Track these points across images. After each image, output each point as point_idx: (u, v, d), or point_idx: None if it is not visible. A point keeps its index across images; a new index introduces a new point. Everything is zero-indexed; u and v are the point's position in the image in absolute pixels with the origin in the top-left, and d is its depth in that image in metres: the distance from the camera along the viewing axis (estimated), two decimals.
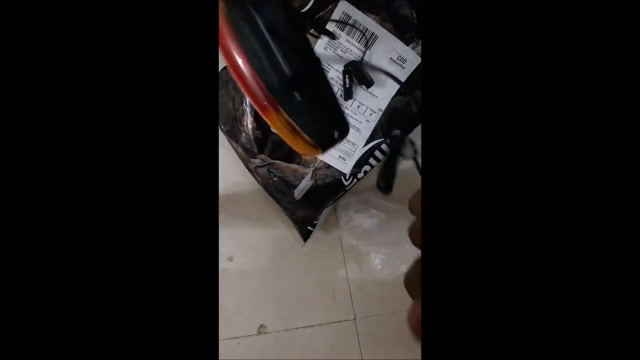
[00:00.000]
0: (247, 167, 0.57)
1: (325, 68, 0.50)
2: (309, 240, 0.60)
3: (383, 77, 0.50)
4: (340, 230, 0.62)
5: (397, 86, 0.51)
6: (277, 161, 0.55)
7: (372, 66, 0.49)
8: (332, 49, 0.49)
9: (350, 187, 0.56)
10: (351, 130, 0.53)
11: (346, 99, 0.51)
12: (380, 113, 0.53)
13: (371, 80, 0.49)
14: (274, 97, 0.21)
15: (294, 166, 0.55)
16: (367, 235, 0.60)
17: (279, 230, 0.62)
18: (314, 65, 0.22)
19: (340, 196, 0.56)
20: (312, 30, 0.49)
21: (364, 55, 0.49)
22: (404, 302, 0.16)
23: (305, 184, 0.56)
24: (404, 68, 0.51)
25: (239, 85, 0.21)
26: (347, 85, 0.49)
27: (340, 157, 0.54)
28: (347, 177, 0.55)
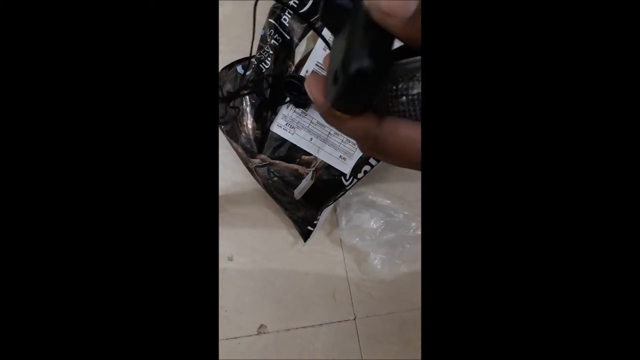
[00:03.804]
0: (247, 167, 0.57)
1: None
2: (309, 240, 0.60)
3: None
4: (340, 230, 0.62)
5: None
6: (277, 161, 0.55)
7: None
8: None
9: (350, 187, 0.56)
10: None
11: None
12: None
13: None
14: None
15: (294, 166, 0.55)
16: (367, 235, 0.60)
17: (279, 230, 0.62)
18: None
19: (340, 196, 0.56)
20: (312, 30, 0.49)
21: None
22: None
23: (305, 184, 0.56)
24: None
25: None
26: None
27: (341, 157, 0.54)
28: (347, 177, 0.55)
